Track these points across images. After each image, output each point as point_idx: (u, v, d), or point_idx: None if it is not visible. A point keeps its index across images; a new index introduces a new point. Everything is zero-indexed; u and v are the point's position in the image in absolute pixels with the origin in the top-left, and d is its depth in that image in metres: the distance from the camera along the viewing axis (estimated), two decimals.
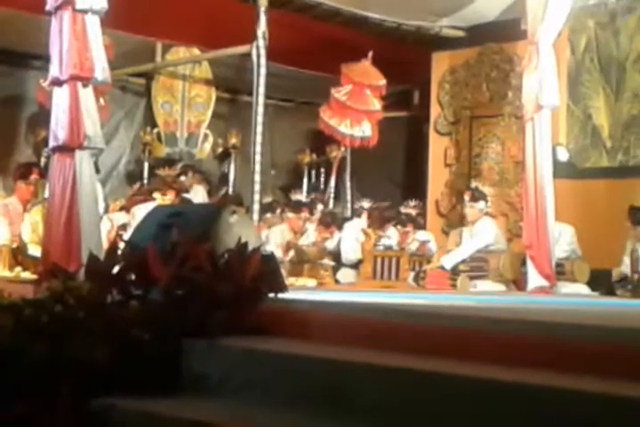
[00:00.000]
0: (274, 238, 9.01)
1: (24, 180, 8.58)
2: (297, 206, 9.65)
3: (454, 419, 3.12)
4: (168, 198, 8.78)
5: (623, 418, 2.74)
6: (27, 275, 6.80)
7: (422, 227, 9.80)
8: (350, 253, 8.82)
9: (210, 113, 11.83)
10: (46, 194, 8.43)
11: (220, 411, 3.63)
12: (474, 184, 9.82)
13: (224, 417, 3.52)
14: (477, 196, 8.96)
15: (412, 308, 4.82)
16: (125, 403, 3.76)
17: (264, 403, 3.67)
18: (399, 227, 9.08)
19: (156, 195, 8.83)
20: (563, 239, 8.52)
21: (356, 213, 9.78)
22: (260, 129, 9.06)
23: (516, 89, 9.22)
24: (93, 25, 5.54)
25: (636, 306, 6.59)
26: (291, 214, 9.42)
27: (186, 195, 9.51)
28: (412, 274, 8.53)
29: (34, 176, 8.61)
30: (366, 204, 9.69)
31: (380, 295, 6.13)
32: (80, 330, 3.97)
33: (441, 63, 10.75)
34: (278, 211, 9.88)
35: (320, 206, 10.31)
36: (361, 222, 9.21)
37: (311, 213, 9.65)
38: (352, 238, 8.83)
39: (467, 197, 9.01)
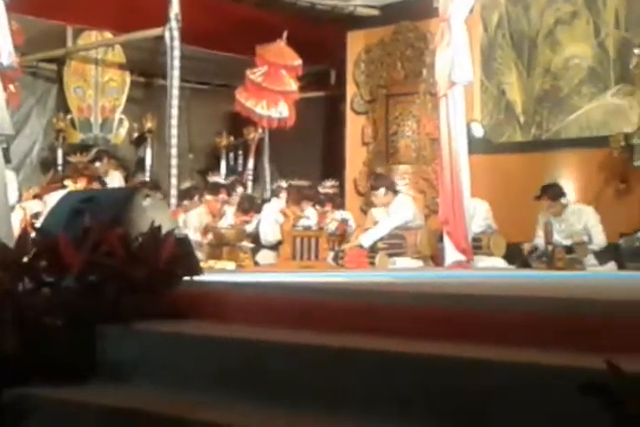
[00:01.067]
0: (191, 222, 8.93)
1: None
2: (214, 188, 9.57)
3: (369, 392, 3.14)
4: (80, 186, 8.66)
5: (534, 386, 2.78)
6: None
7: (341, 206, 9.81)
8: (269, 234, 8.80)
9: (124, 97, 11.67)
10: None
11: (137, 396, 3.60)
12: (379, 169, 9.88)
13: (141, 402, 3.49)
14: (376, 184, 9.03)
15: (330, 285, 4.84)
16: (40, 392, 3.71)
17: (181, 386, 3.65)
18: (317, 207, 9.09)
19: (68, 182, 8.70)
20: (478, 214, 8.63)
21: (275, 193, 9.74)
22: (175, 112, 8.99)
23: (430, 66, 9.27)
24: None
25: (549, 277, 6.71)
26: (208, 197, 9.34)
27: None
28: (331, 253, 8.57)
29: None
30: (284, 183, 9.66)
31: (299, 275, 6.14)
32: None
33: (356, 42, 10.76)
34: (196, 197, 9.78)
35: (239, 189, 10.24)
36: (280, 203, 9.19)
37: (229, 195, 9.59)
38: (271, 220, 8.82)
39: (369, 185, 9.13)
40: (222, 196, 9.32)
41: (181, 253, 4.44)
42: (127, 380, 3.86)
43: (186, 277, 4.41)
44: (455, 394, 2.94)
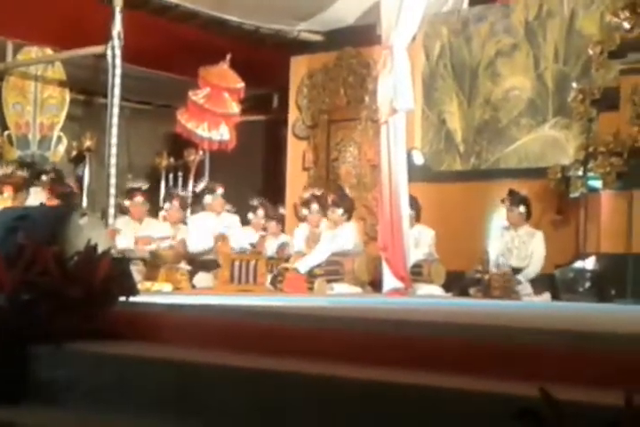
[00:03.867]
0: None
1: None
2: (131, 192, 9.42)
3: (301, 416, 3.13)
4: (7, 196, 8.54)
5: (469, 412, 2.79)
6: None
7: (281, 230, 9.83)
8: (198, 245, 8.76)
9: (64, 115, 11.51)
10: None
11: (66, 418, 3.55)
12: (345, 188, 9.86)
13: (70, 424, 3.43)
14: (340, 202, 9.01)
15: (265, 309, 4.82)
16: None
17: (113, 408, 3.60)
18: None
19: None
20: (423, 242, 8.69)
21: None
22: (115, 131, 8.93)
23: (372, 93, 9.33)
24: None
25: (486, 305, 6.76)
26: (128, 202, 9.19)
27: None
28: (269, 277, 8.54)
29: None
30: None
31: (237, 298, 6.11)
32: None
33: (299, 67, 10.81)
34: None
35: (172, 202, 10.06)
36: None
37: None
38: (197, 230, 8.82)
39: (330, 199, 9.07)
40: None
41: (117, 273, 4.39)
42: (60, 402, 3.81)
43: (122, 298, 4.36)
44: (386, 419, 2.94)
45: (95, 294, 4.25)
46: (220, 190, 9.12)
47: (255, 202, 9.70)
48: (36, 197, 9.21)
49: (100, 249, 4.37)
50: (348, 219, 8.99)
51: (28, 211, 5.39)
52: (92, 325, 4.16)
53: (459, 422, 2.78)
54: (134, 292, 4.47)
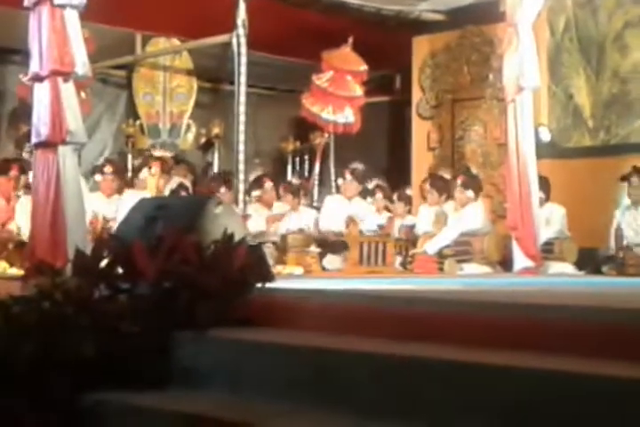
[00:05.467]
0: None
1: (4, 175, 8.69)
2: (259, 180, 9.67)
3: (439, 402, 3.16)
4: (154, 172, 8.83)
5: (610, 397, 2.77)
6: (14, 271, 6.81)
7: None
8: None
9: (192, 103, 11.79)
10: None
11: (212, 402, 3.65)
12: (473, 170, 9.80)
13: (216, 409, 3.55)
14: (469, 183, 8.98)
15: (401, 293, 4.85)
16: (117, 397, 3.78)
17: (255, 393, 3.70)
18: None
19: (144, 173, 8.89)
20: (554, 219, 8.59)
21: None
22: (242, 118, 9.06)
23: (496, 71, 9.23)
24: (72, 20, 5.51)
25: (620, 284, 6.64)
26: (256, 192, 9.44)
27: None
28: (398, 259, 8.58)
29: (13, 172, 8.69)
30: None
31: (369, 281, 6.16)
32: (69, 326, 3.98)
33: (422, 47, 10.76)
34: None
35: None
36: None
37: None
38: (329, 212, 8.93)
39: (459, 180, 9.03)
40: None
41: (254, 261, 4.49)
42: (201, 387, 3.92)
43: (258, 285, 4.46)
44: (528, 405, 2.94)
45: (233, 282, 4.36)
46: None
47: (372, 185, 9.73)
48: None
49: (236, 237, 4.48)
50: (476, 199, 8.95)
51: (166, 201, 5.55)
52: (230, 312, 4.27)
53: (605, 408, 2.76)
54: (270, 279, 4.56)
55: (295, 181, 10.58)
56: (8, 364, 3.78)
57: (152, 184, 8.95)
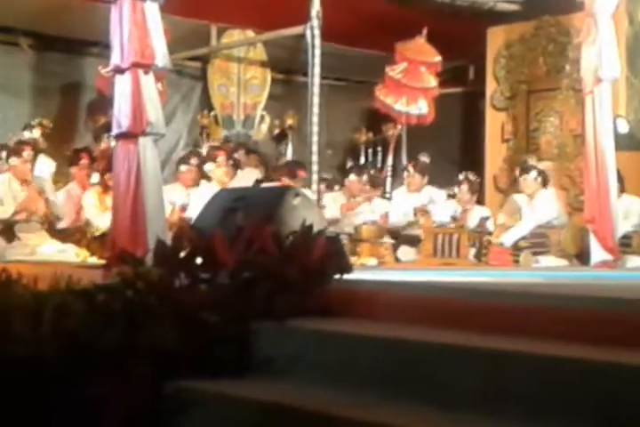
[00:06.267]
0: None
1: (76, 165, 8.86)
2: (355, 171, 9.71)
3: (525, 396, 3.14)
4: (221, 160, 8.92)
5: None
6: (94, 260, 6.93)
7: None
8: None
9: (266, 94, 11.86)
10: (94, 179, 8.70)
11: (292, 392, 3.67)
12: (530, 160, 9.73)
13: (296, 398, 3.56)
14: (526, 168, 8.94)
15: (479, 286, 4.83)
16: (199, 385, 3.82)
17: (335, 384, 3.70)
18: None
19: (210, 165, 8.99)
20: (633, 212, 8.48)
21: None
22: (316, 110, 9.08)
23: (573, 62, 9.15)
24: (153, 12, 5.59)
25: None
26: (352, 177, 9.48)
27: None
28: (472, 250, 8.54)
29: (83, 161, 8.86)
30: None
31: (446, 273, 6.15)
32: (151, 315, 4.03)
33: (496, 38, 10.69)
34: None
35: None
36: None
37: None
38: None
39: (517, 172, 9.02)
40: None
41: (332, 252, 4.50)
42: (281, 376, 3.94)
43: (336, 276, 4.48)
44: (620, 399, 2.91)
45: (311, 273, 4.38)
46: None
47: (460, 177, 9.67)
48: (249, 173, 9.57)
49: (315, 228, 4.50)
50: (544, 183, 8.89)
51: (244, 192, 5.60)
52: (308, 302, 4.29)
53: None
54: (349, 270, 4.58)
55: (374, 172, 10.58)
56: (92, 351, 3.85)
57: (219, 175, 9.03)
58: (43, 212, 7.80)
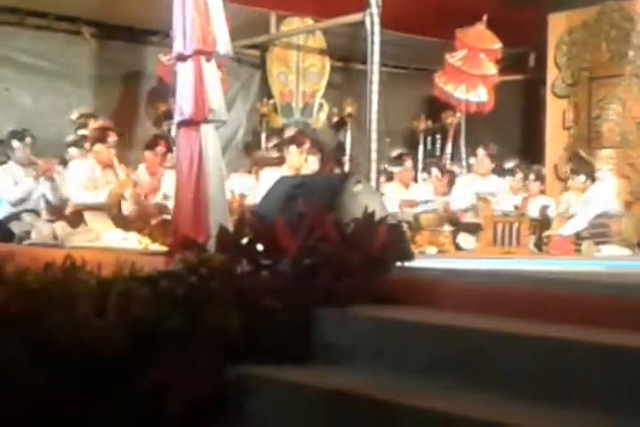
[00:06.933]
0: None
1: (151, 150, 8.92)
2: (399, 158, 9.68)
3: (590, 385, 3.11)
4: (305, 148, 8.95)
5: None
6: (155, 247, 7.00)
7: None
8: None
9: (324, 82, 11.87)
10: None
11: (356, 379, 3.68)
12: (582, 153, 9.64)
13: (361, 385, 3.57)
14: (577, 170, 8.85)
15: (540, 274, 4.80)
16: (261, 371, 3.84)
17: (397, 372, 3.70)
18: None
19: (292, 148, 8.99)
20: None
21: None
22: (375, 97, 9.04)
23: (636, 48, 9.02)
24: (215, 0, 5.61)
25: None
26: (396, 169, 9.46)
27: None
28: (532, 239, 8.48)
29: (160, 148, 8.91)
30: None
31: (507, 262, 6.12)
32: (214, 300, 4.06)
33: (558, 24, 10.57)
34: None
35: (435, 171, 10.24)
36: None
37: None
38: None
39: (568, 170, 8.97)
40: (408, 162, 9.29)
41: (394, 240, 4.50)
42: (343, 363, 3.95)
43: (398, 263, 4.47)
44: None
45: (373, 260, 4.38)
46: (481, 152, 9.18)
47: (511, 165, 9.61)
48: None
49: (376, 216, 4.50)
50: (593, 181, 8.81)
51: (304, 179, 5.61)
52: (370, 290, 4.29)
53: None
54: (410, 257, 4.57)
55: (449, 164, 10.52)
56: (157, 336, 3.89)
57: (298, 161, 9.03)
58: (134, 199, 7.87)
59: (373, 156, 9.01)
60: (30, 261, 4.73)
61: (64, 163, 8.66)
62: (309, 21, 11.28)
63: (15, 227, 7.92)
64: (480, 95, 10.25)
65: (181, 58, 5.64)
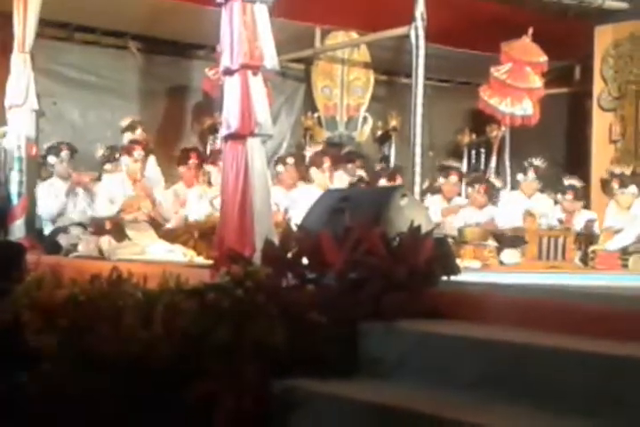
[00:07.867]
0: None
1: (185, 165, 8.99)
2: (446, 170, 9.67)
3: (633, 403, 3.07)
4: (326, 167, 8.99)
5: None
6: (200, 260, 7.03)
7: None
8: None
9: (369, 96, 11.88)
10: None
11: (402, 393, 3.67)
12: (617, 170, 9.56)
13: (405, 400, 3.56)
14: (627, 181, 8.79)
15: (588, 289, 4.75)
16: (307, 385, 3.84)
17: (443, 386, 3.69)
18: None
19: (313, 170, 9.05)
20: None
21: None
22: (419, 111, 9.04)
23: None
24: (262, 14, 5.63)
25: None
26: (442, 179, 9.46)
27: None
28: (578, 254, 8.41)
29: (192, 160, 8.98)
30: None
31: (552, 276, 6.07)
32: (260, 313, 4.07)
33: (604, 37, 10.49)
34: None
35: (477, 186, 10.20)
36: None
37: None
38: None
39: (615, 184, 8.88)
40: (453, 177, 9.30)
41: (440, 254, 4.49)
42: (388, 377, 3.94)
43: (444, 277, 4.46)
44: None
45: (419, 274, 4.37)
46: (531, 175, 9.16)
47: (566, 183, 9.53)
48: (341, 178, 9.60)
49: (422, 229, 4.49)
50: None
51: (350, 192, 5.62)
52: (416, 304, 4.27)
53: None
54: (456, 271, 4.55)
55: (493, 178, 10.49)
56: (203, 348, 3.91)
57: (323, 181, 9.08)
58: (148, 211, 7.93)
59: (417, 169, 9.00)
60: (77, 274, 4.79)
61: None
62: (354, 35, 11.32)
63: (62, 239, 7.99)
64: (525, 109, 10.18)
65: (228, 72, 5.67)
